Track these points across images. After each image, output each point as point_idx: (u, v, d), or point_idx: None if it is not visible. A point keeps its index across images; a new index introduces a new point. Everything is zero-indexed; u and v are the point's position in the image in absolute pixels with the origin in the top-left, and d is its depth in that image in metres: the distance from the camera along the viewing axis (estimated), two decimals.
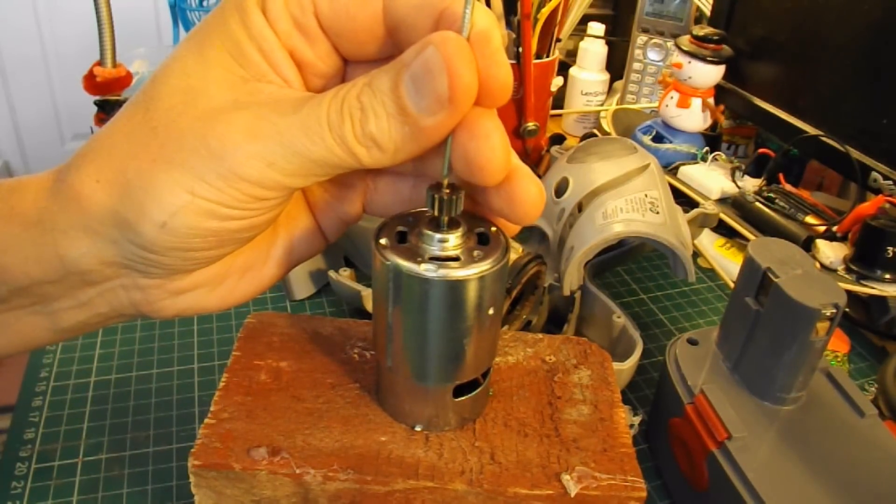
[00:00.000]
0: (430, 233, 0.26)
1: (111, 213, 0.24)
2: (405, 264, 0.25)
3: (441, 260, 0.26)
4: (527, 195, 0.25)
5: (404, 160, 0.24)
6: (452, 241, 0.26)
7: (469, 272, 0.25)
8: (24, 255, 0.25)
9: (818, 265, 0.58)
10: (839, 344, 0.53)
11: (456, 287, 0.26)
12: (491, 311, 0.27)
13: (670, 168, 0.72)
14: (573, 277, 0.48)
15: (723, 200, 0.67)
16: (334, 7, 0.24)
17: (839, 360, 0.52)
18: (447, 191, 0.25)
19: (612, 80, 0.93)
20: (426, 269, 0.25)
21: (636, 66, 0.88)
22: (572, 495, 0.28)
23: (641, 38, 0.86)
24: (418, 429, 0.30)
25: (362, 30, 0.24)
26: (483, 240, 0.27)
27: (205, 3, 1.01)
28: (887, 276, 0.55)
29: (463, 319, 0.27)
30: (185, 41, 0.24)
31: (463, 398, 0.29)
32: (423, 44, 0.22)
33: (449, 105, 0.22)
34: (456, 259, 0.26)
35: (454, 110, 0.22)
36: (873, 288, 0.55)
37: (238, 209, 0.24)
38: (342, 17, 0.24)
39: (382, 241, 0.26)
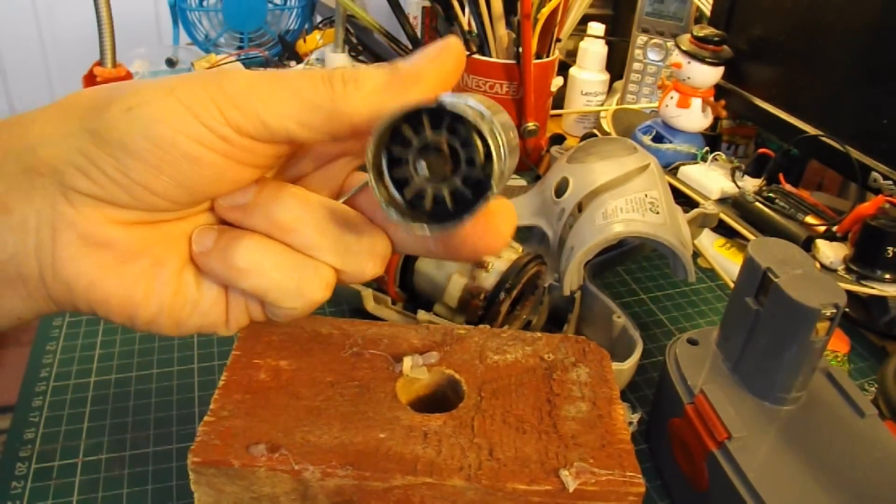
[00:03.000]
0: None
1: (90, 100, 0.24)
2: None
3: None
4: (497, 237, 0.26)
5: (375, 107, 0.24)
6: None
7: None
8: None
9: (818, 265, 0.58)
10: (839, 344, 0.53)
11: None
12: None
13: (670, 168, 0.72)
14: (573, 277, 0.48)
15: (723, 200, 0.67)
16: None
17: (839, 360, 0.52)
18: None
19: (612, 80, 0.93)
20: None
21: (636, 66, 0.88)
22: (570, 490, 0.28)
23: (641, 38, 0.87)
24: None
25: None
26: None
27: (204, 3, 1.01)
28: (887, 276, 0.55)
29: None
30: None
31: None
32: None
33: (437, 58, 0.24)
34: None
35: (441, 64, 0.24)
36: (873, 288, 0.55)
37: (210, 131, 0.23)
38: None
39: None
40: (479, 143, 0.23)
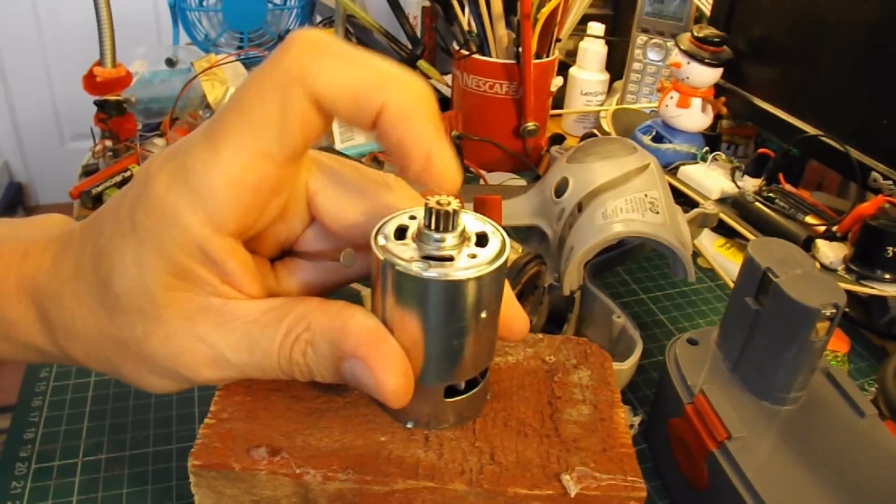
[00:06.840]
0: (427, 232, 0.26)
1: (108, 308, 0.28)
2: (400, 262, 0.25)
3: (436, 259, 0.26)
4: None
5: None
6: (449, 241, 0.26)
7: (462, 273, 0.25)
8: None
9: (818, 265, 0.58)
10: (839, 344, 0.53)
11: (449, 287, 0.25)
12: (484, 315, 0.27)
13: (670, 168, 0.72)
14: (573, 277, 0.48)
15: (723, 200, 0.67)
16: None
17: (839, 360, 0.52)
18: (445, 204, 0.25)
19: (612, 80, 0.93)
20: (419, 268, 0.25)
21: (636, 66, 0.88)
22: (572, 495, 0.28)
23: (641, 38, 0.87)
24: (409, 426, 0.30)
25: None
26: (482, 241, 0.27)
27: (204, 3, 1.01)
28: (887, 276, 0.55)
29: (457, 320, 0.26)
30: (126, 220, 0.27)
31: (459, 398, 0.29)
32: (354, 343, 0.26)
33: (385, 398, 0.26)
34: (450, 259, 0.26)
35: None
36: (873, 288, 0.55)
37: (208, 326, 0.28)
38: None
39: (380, 237, 0.26)
40: None
